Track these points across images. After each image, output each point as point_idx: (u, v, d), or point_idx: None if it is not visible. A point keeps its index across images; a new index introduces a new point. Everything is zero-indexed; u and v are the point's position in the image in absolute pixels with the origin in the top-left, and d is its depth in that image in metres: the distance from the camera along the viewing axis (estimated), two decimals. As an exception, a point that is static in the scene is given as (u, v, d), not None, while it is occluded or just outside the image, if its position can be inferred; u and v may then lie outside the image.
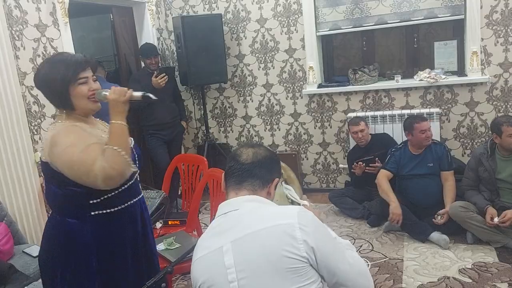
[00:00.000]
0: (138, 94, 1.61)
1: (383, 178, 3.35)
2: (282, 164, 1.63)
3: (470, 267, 2.70)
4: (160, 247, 2.29)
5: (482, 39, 3.52)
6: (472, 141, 3.71)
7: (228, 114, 4.51)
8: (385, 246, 3.09)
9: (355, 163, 3.61)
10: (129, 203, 1.65)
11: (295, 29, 4.04)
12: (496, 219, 2.82)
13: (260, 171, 1.34)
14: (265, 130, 4.40)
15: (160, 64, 3.98)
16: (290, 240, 1.17)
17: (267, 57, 4.20)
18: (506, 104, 3.56)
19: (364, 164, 3.56)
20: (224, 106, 4.50)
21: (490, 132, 3.12)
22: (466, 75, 3.64)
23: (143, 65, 3.94)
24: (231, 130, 4.53)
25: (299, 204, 1.55)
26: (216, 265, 1.22)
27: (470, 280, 2.56)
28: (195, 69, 4.00)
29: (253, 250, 1.19)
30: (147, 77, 3.71)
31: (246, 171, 1.33)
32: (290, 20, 4.04)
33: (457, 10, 3.57)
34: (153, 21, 4.16)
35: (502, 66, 3.51)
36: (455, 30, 3.77)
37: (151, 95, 1.62)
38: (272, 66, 4.20)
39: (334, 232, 1.36)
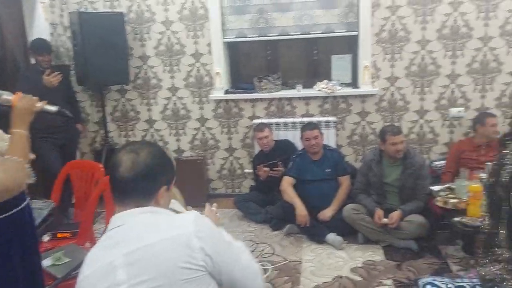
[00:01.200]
0: (52, 108, 1.51)
1: (287, 184, 3.49)
2: None
3: (361, 265, 2.91)
4: (46, 262, 2.08)
5: (373, 55, 3.84)
6: (364, 147, 4.02)
7: (130, 118, 4.32)
8: (285, 249, 3.20)
9: (258, 167, 3.69)
10: (10, 212, 1.48)
11: (202, 34, 4.02)
12: (384, 221, 3.09)
13: (141, 184, 1.19)
14: (170, 135, 4.30)
15: (53, 62, 3.68)
16: (187, 251, 1.13)
17: (172, 60, 4.12)
18: (392, 114, 3.93)
19: (268, 168, 3.66)
20: (125, 109, 4.31)
21: (378, 139, 3.40)
22: (359, 87, 3.95)
23: (33, 61, 3.60)
24: (133, 134, 4.35)
25: None
26: (106, 281, 1.12)
27: (361, 278, 2.76)
28: (93, 69, 3.77)
29: (147, 264, 1.12)
30: (38, 75, 3.39)
31: (126, 185, 1.19)
32: (196, 25, 4.02)
33: (352, 27, 3.86)
34: (46, 15, 3.83)
35: (389, 80, 3.88)
36: (350, 45, 4.06)
37: (67, 112, 1.51)
38: (178, 69, 4.13)
39: (229, 235, 1.33)
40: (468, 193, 2.74)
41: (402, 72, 3.84)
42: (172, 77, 4.16)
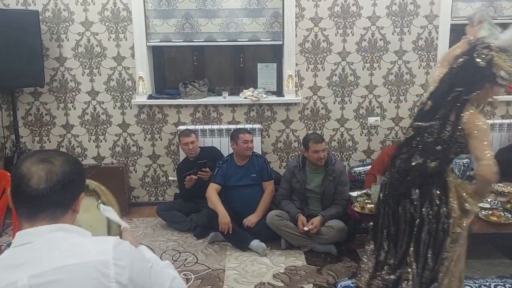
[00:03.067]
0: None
1: (212, 191, 3.45)
2: (102, 187, 1.50)
3: (283, 271, 2.94)
4: None
5: (297, 64, 3.94)
6: (288, 154, 4.10)
7: (44, 122, 4.03)
8: (209, 258, 3.15)
9: (188, 177, 3.61)
10: None
11: (124, 37, 3.87)
12: (305, 227, 3.15)
13: (60, 195, 1.09)
14: (89, 141, 4.07)
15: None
16: (102, 280, 1.03)
17: (92, 63, 3.92)
18: (314, 123, 4.06)
19: (196, 177, 3.59)
20: (40, 112, 4.01)
21: (302, 147, 3.48)
22: (283, 96, 4.03)
23: None
24: (48, 140, 4.06)
25: (119, 226, 1.44)
26: None
27: (282, 284, 2.79)
28: (2, 69, 3.47)
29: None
30: None
31: (41, 199, 1.07)
32: (119, 27, 3.86)
33: (277, 36, 3.93)
34: None
35: (312, 89, 4.00)
36: (275, 54, 4.14)
37: None
38: (98, 72, 3.94)
39: (151, 254, 1.26)
40: (382, 198, 2.88)
41: (324, 82, 3.98)
42: (92, 80, 3.96)
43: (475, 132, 1.91)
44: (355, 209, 3.01)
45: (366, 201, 3.09)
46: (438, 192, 1.99)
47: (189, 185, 3.61)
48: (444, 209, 1.98)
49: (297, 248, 3.25)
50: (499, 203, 2.95)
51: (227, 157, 3.61)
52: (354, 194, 3.29)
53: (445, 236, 1.98)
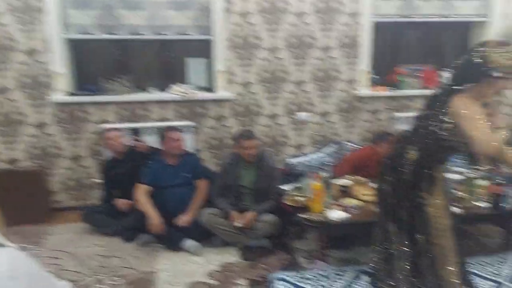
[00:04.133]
0: None
1: (140, 192, 3.30)
2: None
3: (217, 269, 2.88)
4: None
5: (227, 60, 3.90)
6: (221, 152, 4.04)
7: None
8: (139, 261, 3.00)
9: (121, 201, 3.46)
10: None
11: (38, 29, 3.56)
12: (239, 223, 3.12)
13: None
14: None
15: None
16: None
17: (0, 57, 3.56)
18: (247, 119, 4.04)
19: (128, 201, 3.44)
20: None
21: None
22: (215, 92, 3.96)
23: None
24: (-51, 142, 3.63)
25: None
26: None
27: (217, 282, 2.73)
28: None
29: None
30: None
31: None
32: (31, 18, 3.54)
33: (205, 30, 3.85)
34: None
35: (243, 85, 3.97)
36: (205, 49, 4.04)
37: None
38: (6, 67, 3.58)
39: (48, 275, 1.13)
40: (312, 191, 2.93)
41: (255, 78, 3.98)
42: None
43: (461, 113, 1.96)
44: (286, 202, 3.03)
45: (297, 194, 3.12)
46: (423, 183, 2.16)
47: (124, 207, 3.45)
48: (421, 200, 2.17)
49: (232, 244, 3.20)
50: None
51: (156, 156, 3.47)
52: (286, 187, 3.33)
53: (427, 225, 2.19)
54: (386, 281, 2.37)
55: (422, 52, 4.53)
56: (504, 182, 2.92)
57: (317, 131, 4.18)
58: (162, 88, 4.01)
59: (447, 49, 4.55)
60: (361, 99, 4.15)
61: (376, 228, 2.43)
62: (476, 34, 4.37)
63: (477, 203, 2.98)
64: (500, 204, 2.92)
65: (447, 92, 2.05)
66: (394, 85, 4.18)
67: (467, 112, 1.94)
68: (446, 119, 2.02)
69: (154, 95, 3.86)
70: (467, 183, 3.03)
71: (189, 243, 3.12)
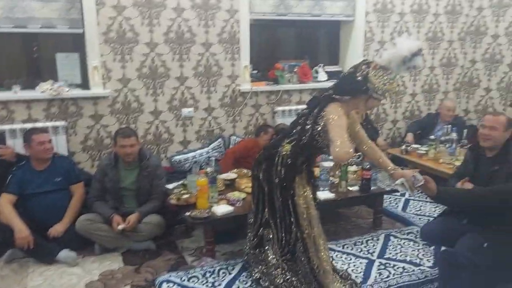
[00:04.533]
0: None
1: (4, 203, 2.96)
2: None
3: (97, 278, 2.71)
4: None
5: (102, 55, 3.68)
6: (100, 152, 3.82)
7: None
8: (6, 279, 2.70)
9: None
10: None
11: None
12: (121, 226, 2.98)
13: None
14: None
15: None
16: None
17: None
18: (127, 116, 3.87)
19: None
20: None
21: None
22: (90, 89, 3.71)
23: None
24: None
25: None
26: None
27: (98, 292, 2.58)
28: None
29: None
30: None
31: None
32: None
33: (76, 23, 3.58)
34: None
35: (121, 81, 3.79)
36: (77, 43, 3.76)
37: None
38: None
39: None
40: (197, 188, 2.92)
41: (134, 74, 3.82)
42: None
43: (330, 119, 2.12)
44: (171, 201, 2.98)
45: (182, 191, 3.09)
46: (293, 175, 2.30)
47: None
48: (291, 191, 2.31)
49: (113, 250, 3.05)
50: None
51: (22, 162, 3.13)
52: (171, 186, 3.27)
53: (297, 215, 2.32)
54: (258, 266, 2.48)
55: (298, 48, 4.79)
56: (370, 167, 3.22)
57: (202, 126, 4.17)
58: (30, 86, 3.64)
59: (320, 46, 4.88)
60: (243, 94, 4.24)
61: (250, 214, 2.57)
62: (344, 31, 4.76)
63: (350, 188, 3.26)
64: (368, 187, 3.24)
65: (327, 98, 2.23)
66: (273, 80, 4.36)
67: (336, 119, 2.11)
68: (319, 121, 2.19)
69: (18, 94, 3.48)
70: (341, 169, 3.29)
71: (65, 254, 2.88)
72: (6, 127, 3.42)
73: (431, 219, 3.47)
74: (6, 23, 3.38)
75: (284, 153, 2.32)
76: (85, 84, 3.77)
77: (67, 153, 3.61)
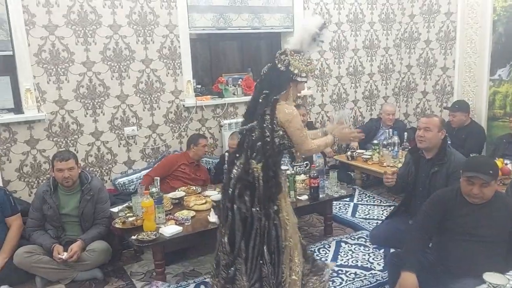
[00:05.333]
0: None
1: None
2: None
3: (39, 314, 2.55)
4: None
5: (35, 77, 3.50)
6: (38, 179, 3.62)
7: None
8: None
9: None
10: None
11: None
12: (63, 256, 2.81)
13: None
14: None
15: None
16: None
17: None
18: (66, 139, 3.69)
19: None
20: None
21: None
22: (23, 113, 3.52)
23: None
24: None
25: None
26: None
27: (38, 330, 2.41)
28: None
29: None
30: None
31: None
32: None
33: (4, 45, 3.39)
34: None
35: (57, 103, 3.62)
36: (7, 65, 3.56)
37: None
38: None
39: None
40: (143, 209, 2.82)
41: (71, 95, 3.67)
42: None
43: (288, 120, 2.15)
44: (116, 225, 2.86)
45: (128, 214, 2.98)
46: (266, 192, 2.13)
47: None
48: (275, 207, 2.14)
49: (57, 282, 2.88)
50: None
51: None
52: (115, 209, 3.14)
53: (279, 231, 2.15)
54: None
55: (241, 61, 4.81)
56: (317, 175, 3.26)
57: (146, 144, 4.07)
58: (-45, 113, 3.40)
59: (263, 58, 4.93)
60: (187, 109, 4.19)
61: (218, 235, 2.33)
62: (285, 42, 4.83)
63: (299, 197, 3.28)
64: (317, 195, 3.27)
65: (266, 102, 2.17)
66: (218, 94, 4.34)
67: (290, 119, 2.16)
68: (275, 127, 2.17)
69: None
70: (289, 179, 3.30)
71: (1, 291, 2.69)
72: None
73: (380, 222, 3.56)
74: None
75: (257, 174, 2.15)
76: (18, 108, 3.58)
77: (1, 182, 3.38)
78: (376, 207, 4.02)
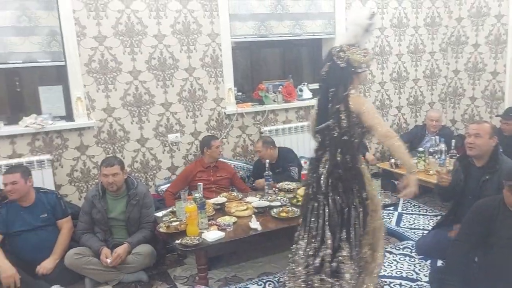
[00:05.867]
0: None
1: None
2: None
3: (87, 314, 2.65)
4: None
5: (85, 86, 3.67)
6: (87, 184, 3.77)
7: None
8: (-8, 322, 2.62)
9: None
10: None
11: None
12: (109, 260, 2.91)
13: None
14: None
15: None
16: None
17: None
18: (113, 145, 3.83)
19: None
20: None
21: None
22: (74, 120, 3.69)
23: None
24: None
25: None
26: None
27: (87, 329, 2.50)
28: None
29: None
30: None
31: None
32: None
33: (57, 56, 3.58)
34: None
35: (106, 111, 3.77)
36: (59, 75, 3.75)
37: None
38: None
39: None
40: (186, 214, 2.87)
41: (118, 103, 3.81)
42: None
43: (363, 108, 2.21)
44: (160, 230, 2.92)
45: (172, 219, 3.04)
46: (356, 181, 2.23)
47: None
48: (364, 194, 2.23)
49: (105, 283, 2.98)
50: (287, 199, 3.29)
51: (5, 200, 3.07)
52: (160, 214, 3.21)
53: (366, 216, 2.24)
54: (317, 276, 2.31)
55: (281, 68, 4.82)
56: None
57: (189, 151, 4.14)
58: (13, 121, 3.61)
59: (303, 64, 4.92)
60: (229, 116, 4.24)
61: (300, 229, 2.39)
62: (326, 49, 4.79)
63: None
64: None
65: (337, 99, 2.24)
66: (258, 101, 4.36)
67: (365, 108, 2.22)
68: (352, 119, 2.23)
69: (2, 129, 3.44)
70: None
71: (56, 291, 2.82)
72: (-8, 163, 3.37)
73: (426, 232, 3.44)
74: (-13, 59, 3.36)
75: (344, 166, 2.24)
76: (69, 116, 3.75)
77: (54, 186, 3.55)
78: (422, 216, 3.88)
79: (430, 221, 3.74)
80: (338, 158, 2.23)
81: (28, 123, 3.50)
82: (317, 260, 2.24)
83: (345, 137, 2.23)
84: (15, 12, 3.39)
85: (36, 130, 3.50)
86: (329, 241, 2.23)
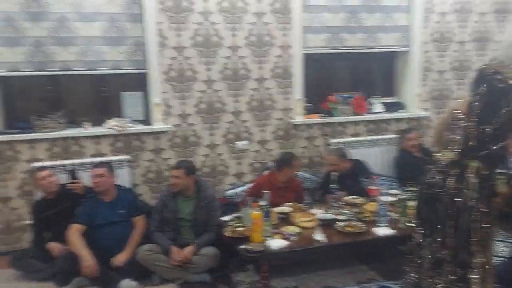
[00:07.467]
0: None
1: (73, 233, 3.17)
2: None
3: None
4: None
5: (163, 92, 3.90)
6: (159, 185, 3.98)
7: None
8: (71, 307, 2.85)
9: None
10: None
11: (-40, 66, 3.41)
12: (178, 258, 3.06)
13: None
14: None
15: None
16: None
17: None
18: (185, 150, 4.03)
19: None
20: None
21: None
22: (151, 124, 3.93)
23: None
24: None
25: None
26: None
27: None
28: None
29: None
30: None
31: None
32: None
33: (140, 64, 3.85)
34: None
35: (180, 117, 3.98)
36: (140, 82, 4.02)
37: None
38: None
39: None
40: (251, 221, 2.94)
41: (192, 109, 4.00)
42: None
43: None
44: (226, 233, 3.02)
45: (237, 224, 3.13)
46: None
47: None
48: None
49: (171, 281, 3.13)
50: (353, 214, 3.24)
51: (90, 194, 3.36)
52: (226, 218, 3.32)
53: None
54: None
55: (352, 80, 4.78)
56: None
57: (256, 158, 4.24)
58: (98, 123, 3.93)
59: (375, 77, 4.83)
60: (296, 126, 4.28)
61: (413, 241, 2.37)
62: (400, 62, 4.68)
63: (408, 224, 3.11)
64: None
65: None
66: (327, 113, 4.36)
67: None
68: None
69: (88, 130, 3.76)
70: (399, 204, 3.17)
71: (126, 283, 3.00)
72: (77, 160, 3.69)
73: (505, 260, 3.21)
74: (80, 66, 3.70)
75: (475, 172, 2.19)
76: (147, 120, 4.01)
77: (130, 185, 3.80)
78: (498, 242, 3.63)
79: (507, 248, 3.48)
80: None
81: (111, 125, 3.80)
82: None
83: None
84: (105, 24, 3.71)
85: (118, 132, 3.79)
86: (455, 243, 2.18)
